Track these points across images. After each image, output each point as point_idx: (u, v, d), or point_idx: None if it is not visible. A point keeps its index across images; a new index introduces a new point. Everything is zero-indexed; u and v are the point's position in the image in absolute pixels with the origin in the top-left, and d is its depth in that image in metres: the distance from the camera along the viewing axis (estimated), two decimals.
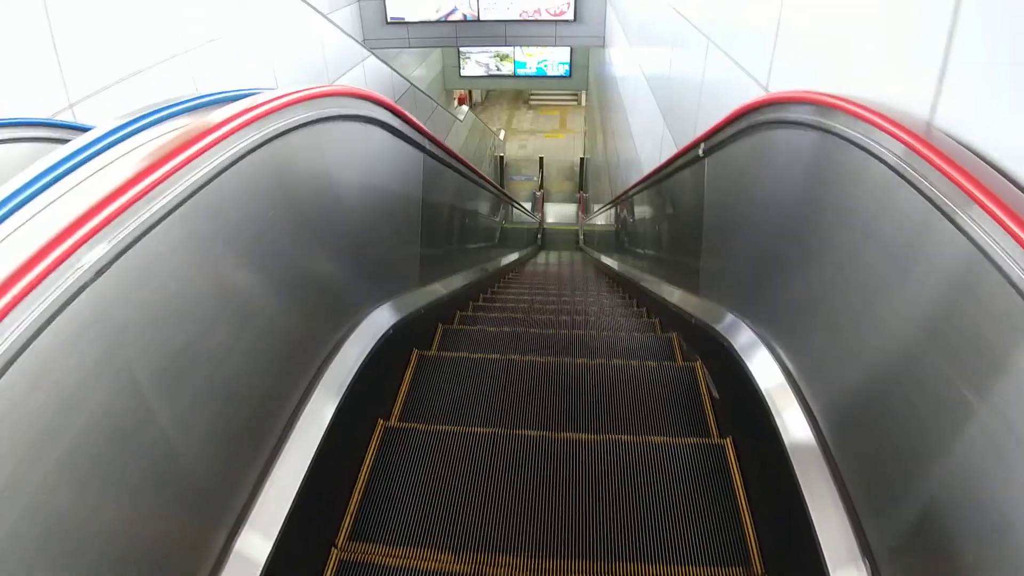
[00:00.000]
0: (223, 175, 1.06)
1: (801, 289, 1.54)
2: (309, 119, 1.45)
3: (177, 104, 1.24)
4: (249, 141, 1.15)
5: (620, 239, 6.20)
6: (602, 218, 9.65)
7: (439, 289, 2.89)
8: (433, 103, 9.45)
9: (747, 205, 1.97)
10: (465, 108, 13.14)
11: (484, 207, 4.87)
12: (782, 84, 2.01)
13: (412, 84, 8.07)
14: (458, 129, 11.83)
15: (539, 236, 15.86)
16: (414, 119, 2.31)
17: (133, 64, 2.88)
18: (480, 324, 3.18)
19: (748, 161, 1.94)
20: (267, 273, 1.34)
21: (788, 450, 1.39)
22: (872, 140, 1.10)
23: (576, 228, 17.21)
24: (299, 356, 1.51)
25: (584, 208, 16.52)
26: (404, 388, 2.17)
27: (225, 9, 3.92)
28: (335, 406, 1.57)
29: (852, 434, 1.24)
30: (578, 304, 4.25)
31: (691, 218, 2.74)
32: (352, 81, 5.98)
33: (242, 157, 1.12)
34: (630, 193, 5.07)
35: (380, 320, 1.99)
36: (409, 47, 11.29)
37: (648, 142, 4.94)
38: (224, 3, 3.92)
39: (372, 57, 6.40)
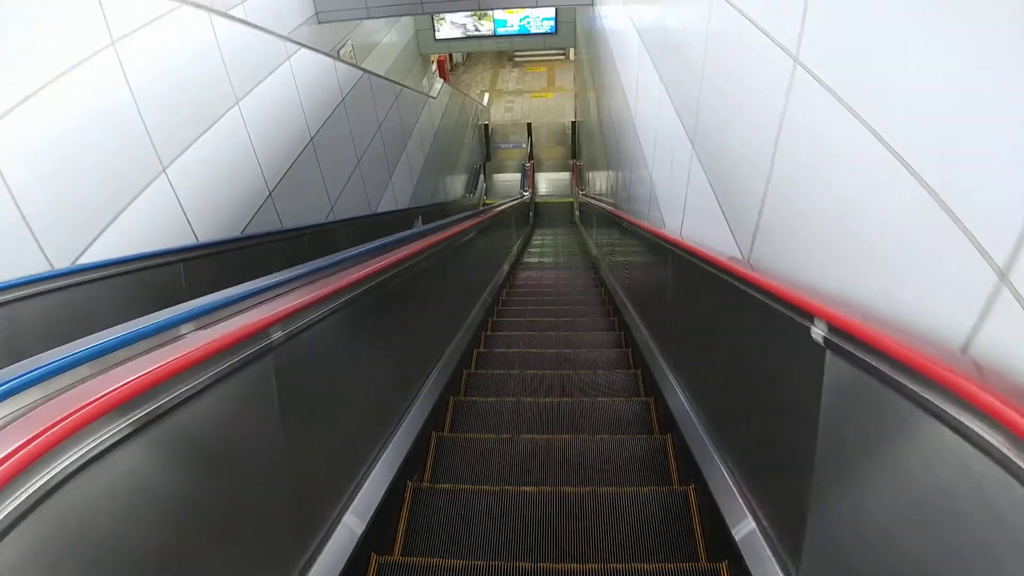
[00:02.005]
0: None
1: None
2: None
3: None
4: None
5: (629, 281, 4.99)
6: (600, 196, 8.31)
7: (351, 524, 1.70)
8: (396, 87, 8.05)
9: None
10: (439, 84, 11.65)
11: (440, 275, 3.63)
12: None
13: (365, 71, 6.69)
14: (431, 107, 10.42)
15: (531, 214, 14.56)
16: (237, 334, 1.11)
17: None
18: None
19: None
20: None
21: None
22: None
23: (571, 200, 15.90)
24: None
25: (578, 179, 15.16)
26: None
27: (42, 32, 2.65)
28: None
29: None
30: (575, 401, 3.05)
31: (783, 407, 1.54)
32: (278, 85, 4.67)
33: None
34: (641, 232, 3.84)
35: None
36: (368, 17, 9.80)
37: (664, 156, 3.68)
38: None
39: (303, 50, 5.05)
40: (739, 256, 2.14)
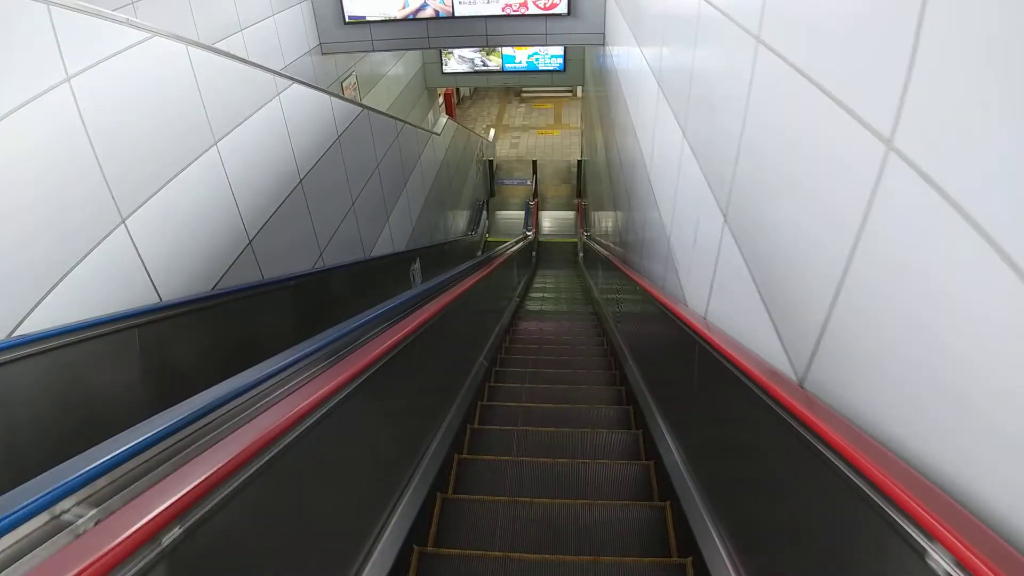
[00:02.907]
0: None
1: None
2: None
3: None
4: None
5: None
6: (605, 238, 7.93)
7: None
8: (397, 123, 7.73)
9: None
10: (443, 120, 11.37)
11: (428, 353, 3.25)
12: None
13: (364, 107, 6.37)
14: (435, 144, 10.11)
15: (533, 254, 14.19)
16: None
17: None
18: None
19: None
20: None
21: None
22: None
23: (575, 241, 15.55)
24: None
25: (583, 219, 14.83)
26: None
27: None
28: None
29: None
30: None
31: None
32: (265, 123, 4.32)
33: None
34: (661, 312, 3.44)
35: None
36: (373, 50, 9.57)
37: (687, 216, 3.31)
38: None
39: (295, 86, 4.71)
40: (789, 373, 1.74)
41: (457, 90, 21.70)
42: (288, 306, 4.33)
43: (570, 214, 16.64)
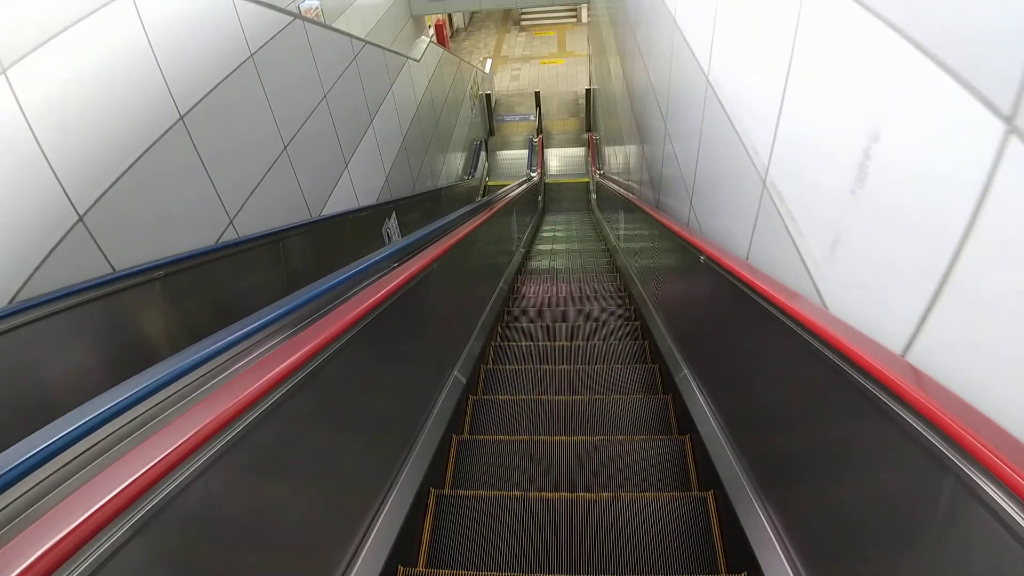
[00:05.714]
0: None
1: None
2: None
3: None
4: None
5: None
6: (626, 177, 6.31)
7: None
8: (354, 42, 6.03)
9: None
10: (424, 44, 9.49)
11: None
12: None
13: (297, 16, 4.71)
14: (413, 72, 8.38)
15: (540, 197, 12.54)
16: None
17: None
18: None
19: None
20: None
21: None
22: None
23: (586, 180, 13.84)
24: None
25: (595, 154, 13.10)
26: None
27: None
28: None
29: None
30: None
31: None
32: (103, 36, 2.76)
33: None
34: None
35: None
36: None
37: None
38: None
39: None
40: None
41: (449, 19, 19.67)
42: (156, 313, 2.85)
43: (580, 150, 14.89)
